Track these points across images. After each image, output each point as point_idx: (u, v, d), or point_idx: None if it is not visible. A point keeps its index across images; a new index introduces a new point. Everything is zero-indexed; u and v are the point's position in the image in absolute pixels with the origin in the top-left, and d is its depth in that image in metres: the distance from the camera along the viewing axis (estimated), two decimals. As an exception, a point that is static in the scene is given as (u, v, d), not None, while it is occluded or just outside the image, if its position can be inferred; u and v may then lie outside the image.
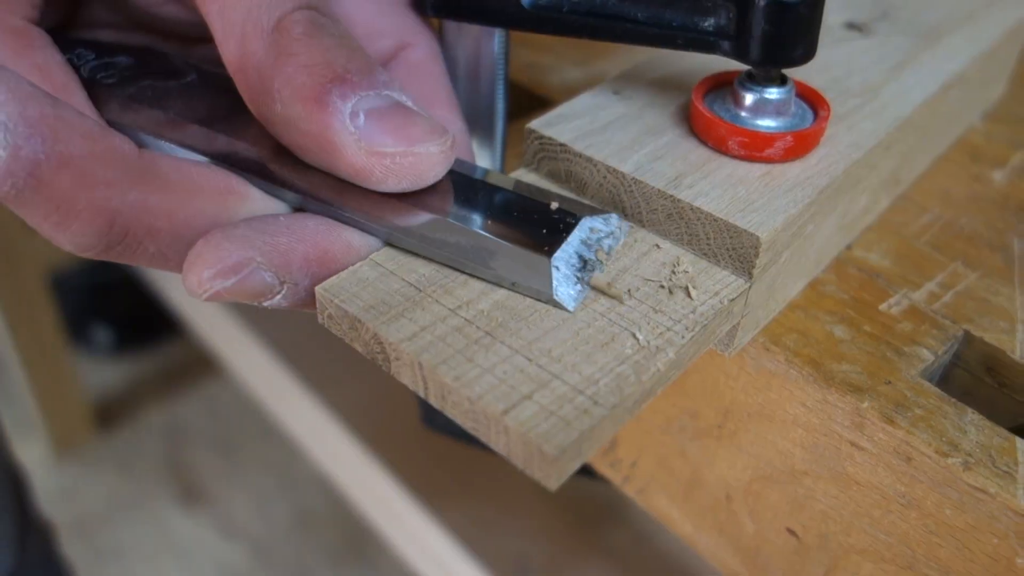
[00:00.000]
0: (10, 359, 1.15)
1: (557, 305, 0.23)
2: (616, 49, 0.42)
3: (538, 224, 0.23)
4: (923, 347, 0.26)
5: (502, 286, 0.23)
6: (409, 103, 0.23)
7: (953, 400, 0.25)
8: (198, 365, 1.39)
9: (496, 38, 0.28)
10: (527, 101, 0.38)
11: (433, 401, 0.21)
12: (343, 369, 0.83)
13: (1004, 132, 0.37)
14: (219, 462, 1.29)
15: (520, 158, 0.28)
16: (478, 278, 0.23)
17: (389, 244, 0.24)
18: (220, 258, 0.22)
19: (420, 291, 0.23)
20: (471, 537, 0.70)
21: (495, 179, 0.25)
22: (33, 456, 1.25)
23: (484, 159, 0.30)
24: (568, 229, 0.23)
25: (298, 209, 0.25)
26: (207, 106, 0.26)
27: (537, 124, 0.27)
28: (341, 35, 0.23)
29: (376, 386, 0.83)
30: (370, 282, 0.23)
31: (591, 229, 0.24)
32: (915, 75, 0.31)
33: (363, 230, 0.24)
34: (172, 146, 0.25)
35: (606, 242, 0.24)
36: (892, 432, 0.24)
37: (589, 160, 0.26)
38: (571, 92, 0.30)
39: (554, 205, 0.24)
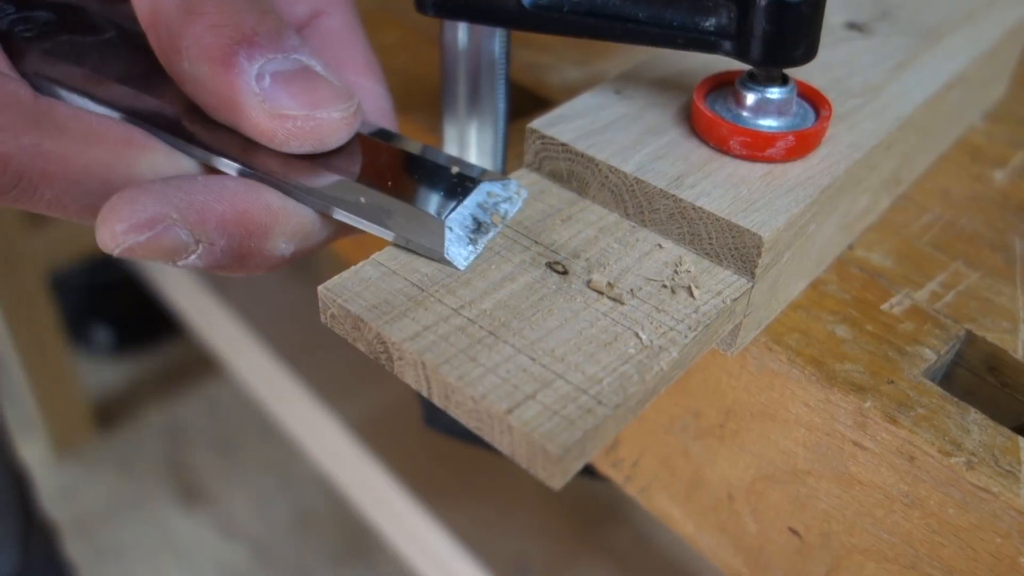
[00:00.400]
0: (10, 359, 1.15)
1: (448, 264, 0.24)
2: (617, 49, 0.42)
3: (437, 186, 0.24)
4: (925, 347, 0.26)
5: (399, 245, 0.24)
6: (318, 68, 0.24)
7: (956, 399, 0.25)
8: (198, 365, 1.39)
9: (497, 38, 0.28)
10: (528, 101, 0.38)
11: (437, 400, 0.21)
12: (343, 369, 0.83)
13: (1005, 132, 0.37)
14: (219, 462, 1.29)
15: (521, 158, 0.28)
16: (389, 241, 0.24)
17: (322, 214, 0.25)
18: (135, 212, 0.22)
19: (423, 291, 0.23)
20: (471, 537, 0.70)
21: (401, 143, 0.26)
22: (33, 456, 1.25)
23: (485, 159, 0.30)
24: (466, 192, 0.24)
25: (209, 168, 0.25)
26: (123, 63, 0.27)
27: (538, 124, 0.27)
28: None
29: (377, 386, 0.83)
30: (373, 282, 0.23)
31: (488, 193, 0.25)
32: (916, 75, 0.31)
33: (274, 188, 0.24)
34: (85, 100, 0.26)
35: (503, 206, 0.25)
36: (895, 431, 0.24)
37: (591, 160, 0.26)
38: (571, 92, 0.30)
39: (455, 169, 0.25)
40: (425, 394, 0.22)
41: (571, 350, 0.21)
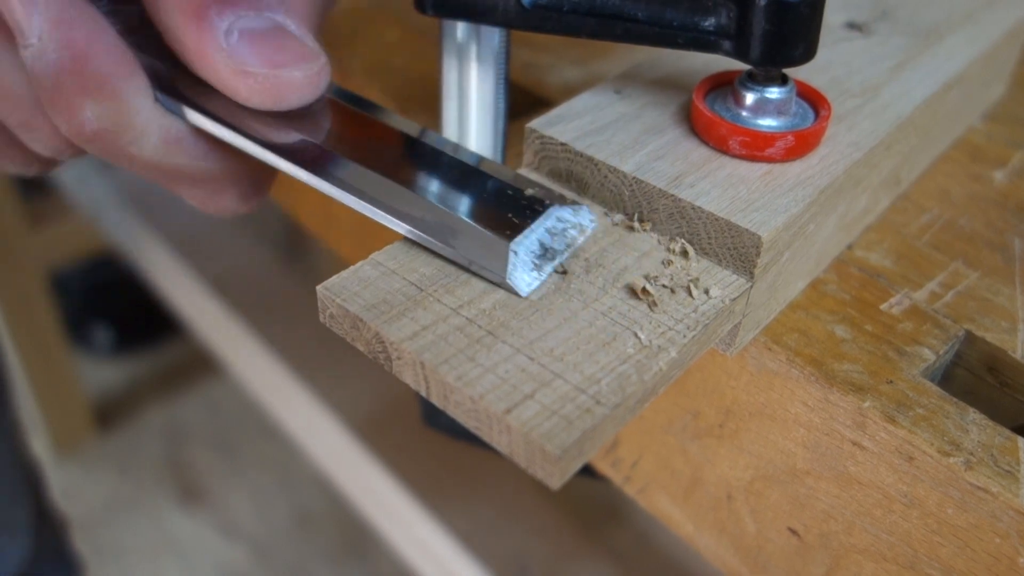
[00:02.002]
0: (10, 359, 1.15)
1: (509, 289, 0.23)
2: (616, 49, 0.42)
3: (506, 208, 0.24)
4: (924, 347, 0.26)
5: (460, 264, 0.24)
6: (291, 27, 0.24)
7: (955, 399, 0.25)
8: (198, 365, 1.39)
9: (496, 38, 0.28)
10: (527, 101, 0.38)
11: (435, 400, 0.21)
12: (343, 369, 0.83)
13: (1004, 132, 0.37)
14: (219, 462, 1.29)
15: (520, 158, 0.28)
16: (439, 256, 0.24)
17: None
18: None
19: (422, 290, 0.23)
20: (471, 537, 0.70)
21: (477, 162, 0.26)
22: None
23: (485, 159, 0.30)
24: (534, 216, 0.24)
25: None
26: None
27: (538, 124, 0.27)
28: None
29: (376, 385, 0.83)
30: (371, 281, 0.23)
31: (558, 219, 0.24)
32: (915, 75, 0.31)
33: (333, 184, 0.25)
34: (165, 98, 0.26)
35: (571, 233, 0.25)
36: (894, 431, 0.24)
37: (590, 160, 0.26)
38: (571, 92, 0.30)
39: (528, 191, 0.25)
40: (424, 394, 0.22)
41: (570, 349, 0.21)
